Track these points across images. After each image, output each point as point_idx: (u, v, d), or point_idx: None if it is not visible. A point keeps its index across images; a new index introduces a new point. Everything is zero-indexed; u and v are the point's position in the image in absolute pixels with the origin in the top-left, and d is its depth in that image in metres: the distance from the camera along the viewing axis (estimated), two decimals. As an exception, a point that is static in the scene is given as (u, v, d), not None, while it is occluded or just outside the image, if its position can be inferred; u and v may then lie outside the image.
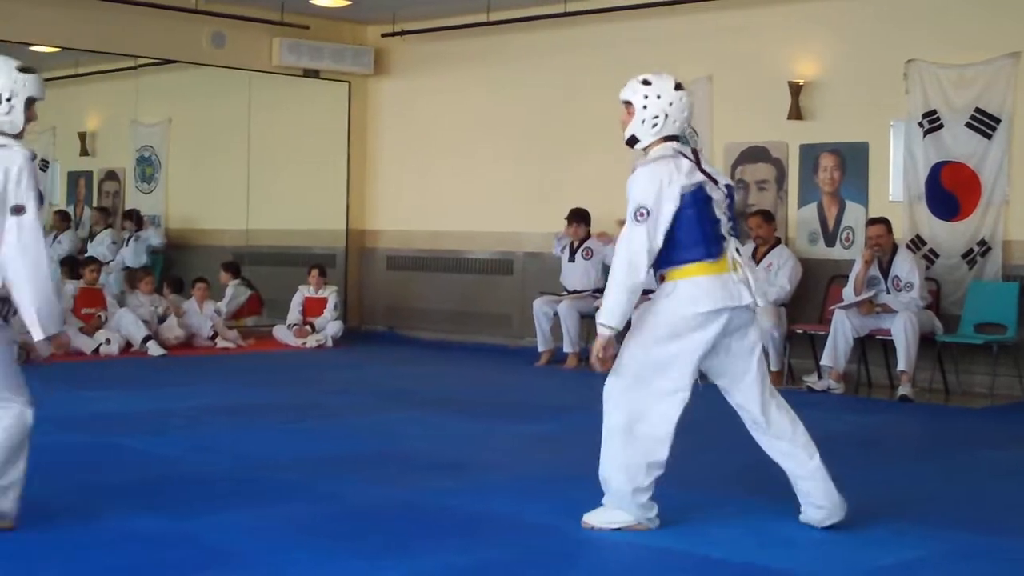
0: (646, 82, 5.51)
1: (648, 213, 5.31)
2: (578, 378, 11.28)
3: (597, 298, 11.88)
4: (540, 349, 12.04)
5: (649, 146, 5.56)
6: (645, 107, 5.48)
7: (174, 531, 5.21)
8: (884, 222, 10.36)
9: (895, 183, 10.94)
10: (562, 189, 12.78)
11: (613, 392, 5.42)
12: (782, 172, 11.54)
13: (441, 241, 14.02)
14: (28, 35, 12.54)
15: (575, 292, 12.10)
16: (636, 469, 5.38)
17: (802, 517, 5.55)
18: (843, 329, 10.17)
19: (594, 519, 5.46)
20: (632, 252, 5.28)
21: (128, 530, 5.12)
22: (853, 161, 11.14)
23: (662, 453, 5.39)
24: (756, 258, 10.98)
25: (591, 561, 4.97)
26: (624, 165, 12.78)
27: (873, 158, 11.04)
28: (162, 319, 12.90)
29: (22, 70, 5.00)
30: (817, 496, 5.48)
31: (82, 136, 15.97)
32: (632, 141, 5.60)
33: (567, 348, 11.85)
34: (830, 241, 11.26)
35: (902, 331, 9.87)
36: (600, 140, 12.63)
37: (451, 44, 13.88)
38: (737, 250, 5.47)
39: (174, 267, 14.98)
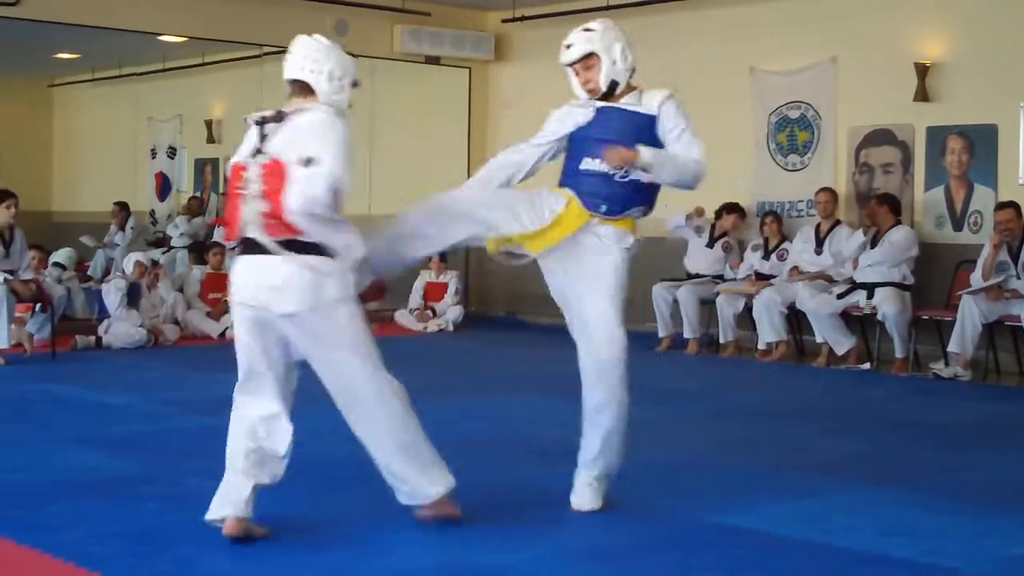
0: (590, 29, 5.60)
1: None
2: (699, 364, 11.22)
3: (717, 283, 11.83)
4: (660, 335, 11.97)
5: (626, 87, 5.53)
6: (609, 48, 5.49)
7: (295, 513, 5.30)
8: (1014, 206, 10.13)
9: (1026, 166, 10.70)
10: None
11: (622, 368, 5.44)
12: (908, 155, 11.33)
13: (561, 226, 13.99)
14: (156, 25, 12.82)
15: (696, 276, 12.02)
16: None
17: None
18: (971, 315, 9.97)
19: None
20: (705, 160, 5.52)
21: (257, 512, 5.21)
22: (982, 144, 10.89)
23: None
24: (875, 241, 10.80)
25: (711, 548, 4.94)
26: (747, 150, 12.67)
27: (1003, 140, 10.78)
28: (286, 304, 13.09)
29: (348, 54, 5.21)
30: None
31: (208, 124, 16.27)
32: (613, 87, 5.53)
33: (687, 334, 11.77)
34: (958, 225, 11.04)
35: (1032, 317, 9.66)
36: (722, 124, 12.52)
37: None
38: None
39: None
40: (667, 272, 12.34)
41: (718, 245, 12.08)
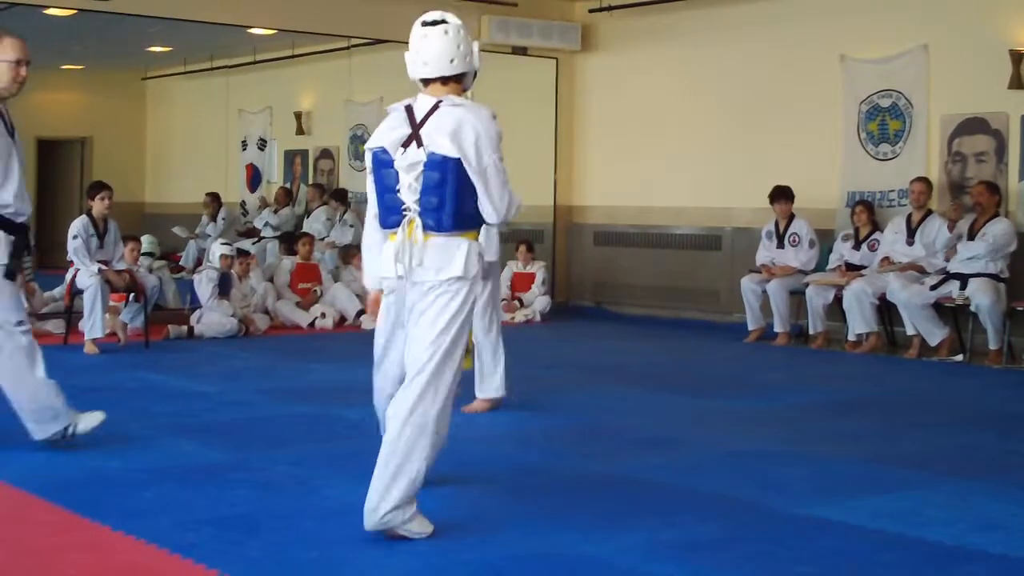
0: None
1: None
2: (788, 356, 11.12)
3: (805, 275, 11.71)
4: (750, 327, 11.88)
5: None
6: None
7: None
8: (1112, 195, 9.94)
9: (1124, 154, 10.48)
10: (771, 164, 12.59)
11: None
12: (1002, 144, 11.14)
13: (648, 216, 13.98)
14: (246, 18, 12.94)
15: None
16: None
17: None
18: (1067, 306, 9.78)
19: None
20: None
21: (344, 501, 5.26)
22: (1079, 131, 10.69)
23: None
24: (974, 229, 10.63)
25: (801, 540, 4.90)
26: (830, 139, 12.48)
27: (1100, 128, 10.59)
28: (375, 294, 13.17)
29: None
30: None
31: (298, 115, 16.42)
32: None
33: (777, 327, 11.67)
34: (1053, 215, 10.84)
35: None
36: (808, 114, 12.41)
37: (658, 18, 13.79)
38: None
39: (386, 243, 15.27)
40: (756, 264, 12.24)
41: (787, 242, 11.95)
